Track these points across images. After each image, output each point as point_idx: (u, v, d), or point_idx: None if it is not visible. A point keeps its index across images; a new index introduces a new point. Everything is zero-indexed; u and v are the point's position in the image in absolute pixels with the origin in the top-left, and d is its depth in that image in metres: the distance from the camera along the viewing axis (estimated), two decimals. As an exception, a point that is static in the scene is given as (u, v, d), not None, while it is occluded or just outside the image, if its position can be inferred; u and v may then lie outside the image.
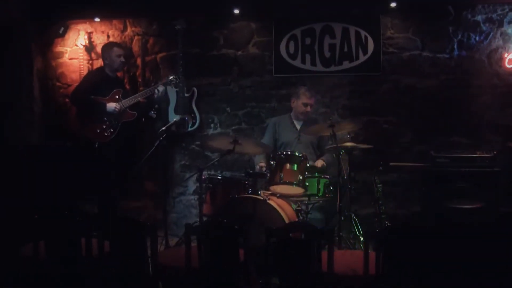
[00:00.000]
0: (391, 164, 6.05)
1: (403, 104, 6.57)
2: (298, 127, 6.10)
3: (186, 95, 6.70)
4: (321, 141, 6.07)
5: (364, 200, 6.40)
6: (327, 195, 5.34)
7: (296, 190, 5.23)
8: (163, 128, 5.63)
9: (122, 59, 6.29)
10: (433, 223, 5.11)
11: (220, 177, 5.48)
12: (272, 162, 5.27)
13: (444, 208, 5.50)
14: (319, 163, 5.75)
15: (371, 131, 6.56)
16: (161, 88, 6.21)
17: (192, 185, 6.98)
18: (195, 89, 6.75)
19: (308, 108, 6.02)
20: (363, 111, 6.65)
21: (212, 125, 6.99)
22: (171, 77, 6.25)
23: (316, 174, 5.35)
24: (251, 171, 5.42)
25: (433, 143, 6.35)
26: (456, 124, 6.41)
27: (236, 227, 3.58)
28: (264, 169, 5.64)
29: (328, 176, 5.37)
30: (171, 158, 6.93)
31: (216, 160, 5.60)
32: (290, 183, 5.16)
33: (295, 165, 5.23)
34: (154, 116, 6.49)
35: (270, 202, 4.98)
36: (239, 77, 6.91)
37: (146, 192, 7.00)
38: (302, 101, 5.99)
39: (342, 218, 5.19)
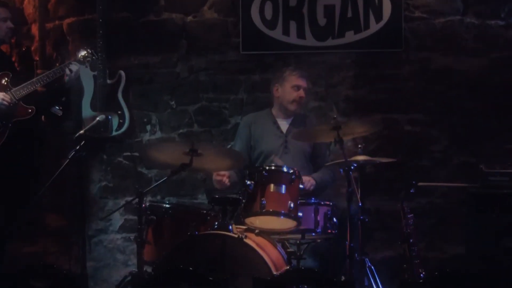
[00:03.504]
0: (419, 184, 5.86)
1: (435, 95, 6.61)
2: (284, 128, 6.13)
3: (109, 81, 6.67)
4: (316, 150, 6.14)
5: (378, 238, 6.48)
6: (329, 231, 5.38)
7: (285, 223, 5.24)
8: (81, 132, 5.50)
9: (10, 24, 6.23)
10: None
11: (168, 206, 5.43)
12: (249, 182, 5.20)
13: (502, 249, 5.54)
14: (307, 181, 5.76)
15: (387, 136, 6.59)
16: (74, 67, 6.17)
17: (118, 219, 6.95)
18: (122, 73, 6.71)
19: (301, 93, 6.05)
20: (376, 105, 6.68)
21: (148, 127, 6.99)
22: (85, 52, 6.23)
23: (313, 200, 5.38)
24: (217, 196, 5.36)
25: (481, 153, 6.38)
26: (515, 124, 6.44)
27: (211, 278, 3.62)
28: (226, 181, 5.75)
29: (329, 203, 5.43)
30: (86, 177, 6.88)
31: (164, 179, 5.38)
32: (277, 213, 5.17)
33: (284, 187, 5.22)
34: (60, 113, 6.42)
35: (248, 241, 4.94)
36: (189, 55, 6.92)
37: (48, 229, 6.91)
38: (291, 83, 6.04)
39: (353, 264, 5.18)
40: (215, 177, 5.79)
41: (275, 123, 6.15)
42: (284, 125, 6.15)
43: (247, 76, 6.87)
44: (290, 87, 6.04)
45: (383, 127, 6.38)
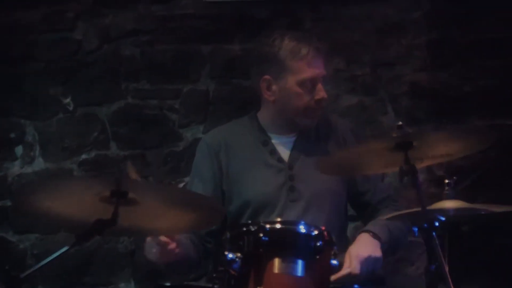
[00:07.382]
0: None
1: None
2: (286, 152, 5.50)
3: None
4: (355, 184, 5.55)
5: None
6: None
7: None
8: None
9: None
10: None
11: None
12: (231, 256, 4.54)
13: None
14: (362, 259, 5.11)
15: (498, 160, 6.47)
16: None
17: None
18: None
19: (322, 92, 5.36)
20: (473, 103, 6.59)
21: (19, 150, 6.93)
22: None
23: (357, 289, 5.18)
24: (167, 284, 5.07)
25: None
26: None
27: None
28: (175, 250, 5.18)
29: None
30: None
31: (58, 253, 4.41)
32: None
33: (300, 264, 4.63)
34: None
35: None
36: (99, 6, 6.88)
37: None
38: (301, 74, 5.32)
39: None
40: (152, 241, 5.06)
41: (267, 142, 5.46)
42: (285, 145, 5.50)
43: (215, 46, 6.75)
44: (297, 83, 5.28)
45: (489, 145, 5.55)
